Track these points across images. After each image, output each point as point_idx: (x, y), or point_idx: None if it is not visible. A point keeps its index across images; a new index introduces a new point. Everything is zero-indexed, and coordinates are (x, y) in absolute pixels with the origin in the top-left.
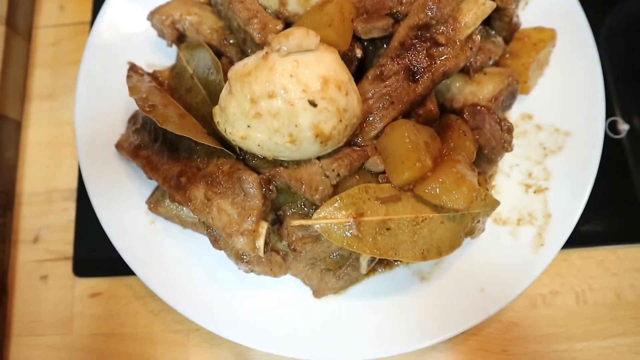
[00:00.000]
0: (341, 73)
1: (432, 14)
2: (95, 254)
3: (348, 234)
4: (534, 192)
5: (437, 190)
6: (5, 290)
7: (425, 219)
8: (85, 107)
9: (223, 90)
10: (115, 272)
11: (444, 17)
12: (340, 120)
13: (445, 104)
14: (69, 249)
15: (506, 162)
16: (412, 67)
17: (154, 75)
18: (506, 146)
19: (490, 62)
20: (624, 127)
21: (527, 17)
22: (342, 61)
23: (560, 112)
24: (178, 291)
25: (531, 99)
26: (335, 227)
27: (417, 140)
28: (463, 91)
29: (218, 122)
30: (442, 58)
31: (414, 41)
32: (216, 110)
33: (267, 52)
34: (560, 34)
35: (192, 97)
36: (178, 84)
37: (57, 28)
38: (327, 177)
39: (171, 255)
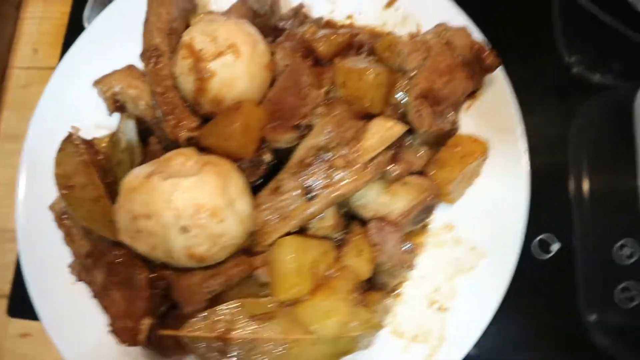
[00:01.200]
0: (220, 199)
1: (329, 138)
2: (29, 297)
3: (213, 351)
4: (437, 309)
5: (310, 317)
6: None
7: (295, 340)
8: (31, 160)
9: (118, 196)
10: None
11: (344, 140)
12: (215, 244)
13: (357, 210)
14: (7, 288)
15: (418, 270)
16: (308, 186)
17: (90, 144)
18: (406, 267)
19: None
20: (554, 246)
21: (468, 120)
22: (227, 183)
23: (479, 230)
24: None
25: (457, 208)
26: (201, 341)
27: (302, 261)
28: (377, 200)
29: (115, 221)
30: (340, 182)
31: (312, 160)
32: (114, 209)
33: (151, 172)
34: (495, 144)
35: (121, 172)
36: (112, 155)
37: (28, 70)
38: (201, 292)
39: (88, 318)
